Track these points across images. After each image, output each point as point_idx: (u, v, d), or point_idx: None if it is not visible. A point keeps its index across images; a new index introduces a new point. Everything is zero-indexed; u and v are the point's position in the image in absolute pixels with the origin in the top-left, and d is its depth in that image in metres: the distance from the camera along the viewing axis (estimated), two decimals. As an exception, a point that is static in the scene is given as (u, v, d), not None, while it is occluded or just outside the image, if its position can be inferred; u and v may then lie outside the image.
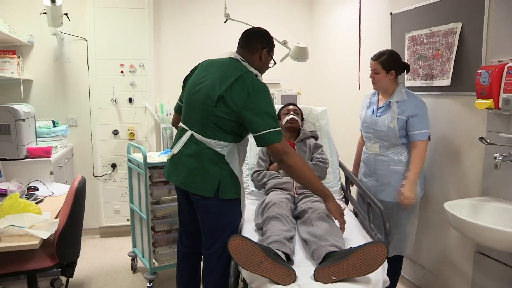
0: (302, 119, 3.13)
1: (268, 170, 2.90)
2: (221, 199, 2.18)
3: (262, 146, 2.14)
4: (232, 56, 2.31)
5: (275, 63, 2.39)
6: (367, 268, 1.78)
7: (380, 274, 1.89)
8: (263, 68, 2.34)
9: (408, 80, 3.04)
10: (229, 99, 2.09)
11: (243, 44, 2.30)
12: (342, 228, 2.18)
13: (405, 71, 2.78)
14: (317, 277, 1.79)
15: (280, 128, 2.10)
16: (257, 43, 2.28)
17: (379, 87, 2.76)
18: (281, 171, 2.85)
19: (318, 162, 2.88)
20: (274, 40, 3.23)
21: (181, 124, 2.32)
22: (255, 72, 2.24)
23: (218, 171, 2.16)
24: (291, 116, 3.01)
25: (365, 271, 1.78)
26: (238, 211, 2.29)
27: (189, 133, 2.22)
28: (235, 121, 2.12)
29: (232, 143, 2.18)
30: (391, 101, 2.70)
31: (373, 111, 2.82)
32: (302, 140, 3.00)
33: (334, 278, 1.77)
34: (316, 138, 3.10)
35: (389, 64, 2.67)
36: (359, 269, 1.77)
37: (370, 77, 2.74)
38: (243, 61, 2.26)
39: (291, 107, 3.10)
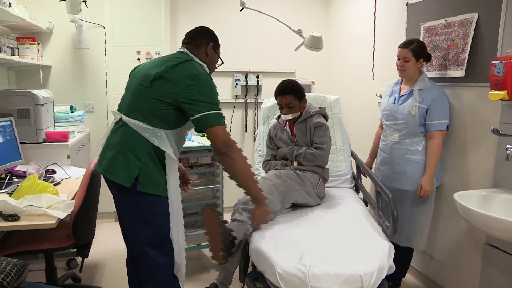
0: (301, 100, 2.81)
1: (275, 159, 2.91)
2: (139, 192, 1.95)
3: (200, 130, 1.97)
4: (180, 50, 2.18)
5: (222, 62, 2.29)
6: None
7: (385, 260, 1.92)
8: (210, 65, 2.19)
9: (422, 71, 3.03)
10: (169, 80, 1.95)
11: (188, 41, 2.18)
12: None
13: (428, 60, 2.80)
14: None
15: (221, 112, 1.97)
16: (202, 39, 2.17)
17: (406, 75, 2.77)
18: (281, 161, 2.85)
19: (312, 151, 2.72)
20: (289, 29, 3.28)
21: (114, 111, 2.17)
22: (203, 64, 2.11)
23: (141, 158, 1.96)
24: (285, 117, 2.81)
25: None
26: (164, 212, 2.02)
27: (118, 116, 2.08)
28: (171, 104, 1.95)
29: (163, 129, 1.98)
30: (413, 89, 2.72)
31: (394, 99, 2.84)
32: (303, 121, 2.82)
33: None
34: (325, 116, 2.88)
35: (419, 52, 2.70)
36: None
37: (399, 65, 2.75)
38: (191, 53, 2.14)
39: (284, 100, 2.78)
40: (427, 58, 2.76)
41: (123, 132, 2.01)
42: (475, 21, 2.56)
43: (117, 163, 1.98)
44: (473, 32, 2.58)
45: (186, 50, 2.14)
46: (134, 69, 2.21)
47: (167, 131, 1.99)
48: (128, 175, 1.95)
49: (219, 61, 2.27)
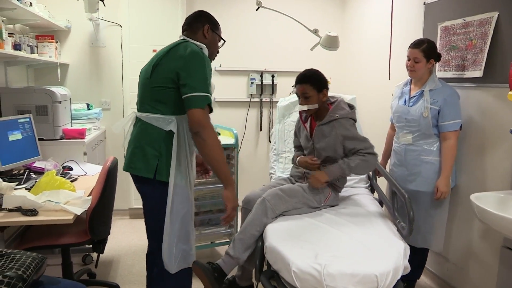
0: (320, 91, 2.62)
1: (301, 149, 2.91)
2: (158, 181, 2.04)
3: (187, 109, 1.98)
4: (179, 38, 2.22)
5: (224, 41, 2.30)
6: None
7: (401, 260, 1.91)
8: (211, 46, 2.21)
9: (439, 71, 3.00)
10: (163, 64, 2.02)
11: (185, 27, 2.22)
12: (224, 219, 2.13)
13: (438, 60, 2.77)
14: None
15: (207, 95, 1.97)
16: (197, 23, 2.20)
17: (417, 76, 2.74)
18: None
19: (365, 157, 2.51)
20: (305, 28, 3.27)
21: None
22: (200, 44, 2.11)
23: (157, 148, 2.03)
24: (300, 107, 2.66)
25: None
26: (182, 201, 2.08)
27: (133, 114, 2.17)
28: (171, 87, 2.00)
29: (174, 115, 2.04)
30: (423, 90, 2.69)
31: (405, 101, 2.81)
32: (326, 123, 2.63)
33: None
34: (353, 119, 2.67)
35: (429, 53, 2.67)
36: None
37: (409, 66, 2.72)
38: (188, 38, 2.17)
39: (300, 89, 2.62)
40: (438, 58, 2.73)
41: (138, 127, 2.10)
42: (495, 20, 2.53)
43: (136, 157, 2.07)
44: (492, 32, 2.55)
45: (183, 36, 2.19)
46: (143, 68, 2.25)
47: (177, 116, 2.05)
48: (147, 166, 2.04)
49: (222, 41, 2.30)
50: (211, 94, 2.00)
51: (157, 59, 2.06)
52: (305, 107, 2.62)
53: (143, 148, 2.05)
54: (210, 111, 2.01)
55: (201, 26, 2.19)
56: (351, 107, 2.71)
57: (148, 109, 2.06)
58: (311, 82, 2.60)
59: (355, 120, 2.67)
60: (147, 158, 2.04)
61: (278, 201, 2.45)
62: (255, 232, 2.38)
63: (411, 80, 2.85)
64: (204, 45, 2.13)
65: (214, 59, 2.28)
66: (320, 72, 2.69)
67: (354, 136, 2.56)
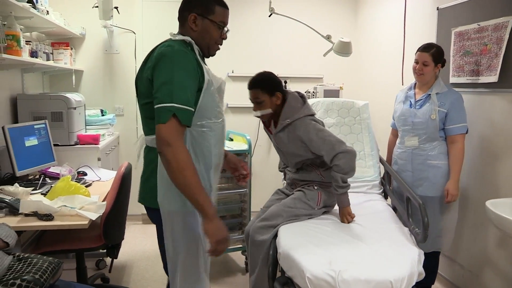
0: (272, 95, 2.46)
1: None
2: (147, 208, 1.81)
3: None
4: None
5: (228, 30, 1.81)
6: None
7: (415, 266, 1.89)
8: (203, 38, 1.76)
9: (453, 77, 2.98)
10: (142, 76, 1.70)
11: (178, 19, 1.82)
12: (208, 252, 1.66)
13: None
14: None
15: (171, 105, 1.54)
16: (185, 13, 1.76)
17: (424, 80, 2.74)
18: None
19: (338, 165, 2.36)
20: (317, 34, 3.27)
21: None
22: (186, 38, 1.72)
23: (147, 171, 1.76)
24: (254, 113, 2.50)
25: None
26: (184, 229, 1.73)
27: (141, 137, 1.88)
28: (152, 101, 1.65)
29: None
30: (430, 94, 2.70)
31: (410, 104, 2.81)
32: (280, 131, 2.51)
33: None
34: (308, 114, 2.48)
35: (438, 57, 2.68)
36: None
37: (417, 69, 2.71)
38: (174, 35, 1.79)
39: (251, 94, 2.48)
40: (444, 63, 2.74)
41: (144, 153, 1.86)
42: (511, 25, 2.51)
43: (142, 186, 1.84)
44: (508, 36, 2.53)
45: (173, 34, 1.80)
46: None
47: None
48: (152, 194, 1.74)
49: (223, 28, 1.79)
50: (184, 102, 1.57)
51: (137, 75, 1.77)
52: (258, 113, 2.48)
53: (146, 174, 1.81)
54: (187, 123, 1.60)
55: (187, 15, 1.75)
56: (304, 98, 2.54)
57: (147, 130, 1.77)
58: (262, 87, 2.45)
59: (311, 115, 2.50)
60: (150, 185, 1.75)
61: (265, 231, 2.42)
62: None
63: (415, 84, 2.85)
64: (190, 39, 1.73)
65: (216, 50, 1.86)
66: (272, 74, 2.53)
67: (311, 139, 2.41)
